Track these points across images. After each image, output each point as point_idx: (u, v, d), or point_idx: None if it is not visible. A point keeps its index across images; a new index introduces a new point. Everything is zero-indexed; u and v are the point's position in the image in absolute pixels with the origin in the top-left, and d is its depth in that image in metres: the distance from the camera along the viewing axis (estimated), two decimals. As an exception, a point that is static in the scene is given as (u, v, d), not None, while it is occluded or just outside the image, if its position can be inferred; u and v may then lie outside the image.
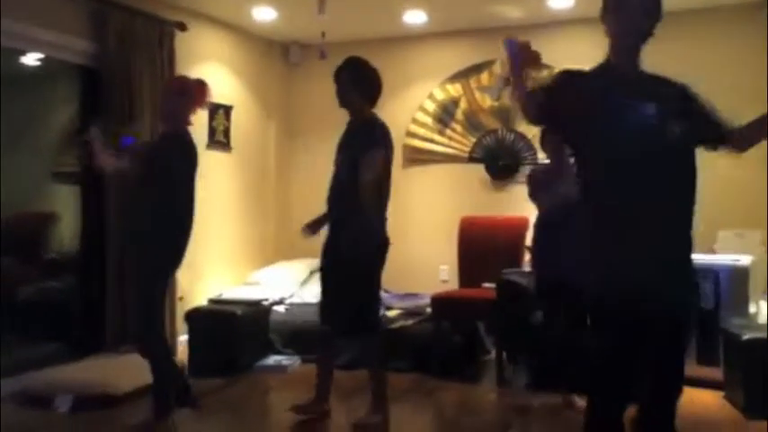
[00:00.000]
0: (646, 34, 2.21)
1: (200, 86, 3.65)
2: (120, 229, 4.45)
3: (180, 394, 3.64)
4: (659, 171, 2.12)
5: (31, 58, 4.58)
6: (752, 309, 4.31)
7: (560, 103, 2.23)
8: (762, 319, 4.21)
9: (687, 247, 2.21)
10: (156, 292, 3.53)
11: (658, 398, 2.26)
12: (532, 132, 5.67)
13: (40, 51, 4.50)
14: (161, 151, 3.55)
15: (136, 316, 3.66)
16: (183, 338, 4.95)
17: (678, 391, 2.26)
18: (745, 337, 3.82)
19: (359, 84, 3.58)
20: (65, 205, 5.01)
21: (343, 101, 3.63)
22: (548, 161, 4.21)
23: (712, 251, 4.68)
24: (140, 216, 3.56)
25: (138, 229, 3.60)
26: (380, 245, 3.59)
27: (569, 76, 2.28)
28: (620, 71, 2.22)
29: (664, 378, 2.25)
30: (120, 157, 3.55)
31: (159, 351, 3.54)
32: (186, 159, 3.54)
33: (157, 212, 3.47)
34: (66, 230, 5.05)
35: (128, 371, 4.16)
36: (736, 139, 2.24)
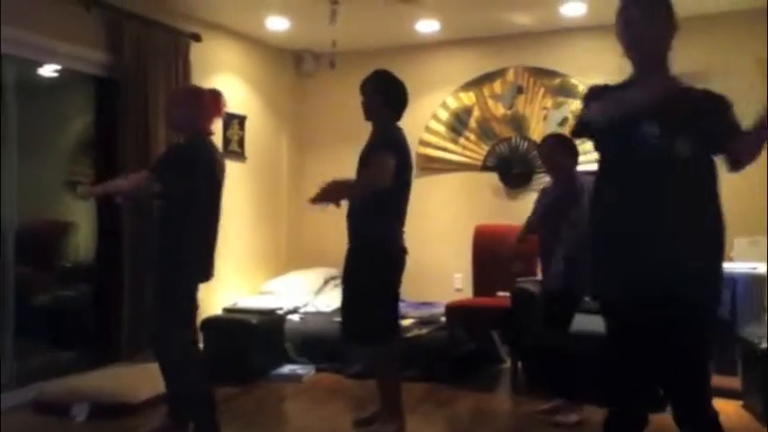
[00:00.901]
0: (657, 47, 2.24)
1: (214, 96, 3.55)
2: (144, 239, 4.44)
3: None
4: (658, 180, 2.20)
5: (48, 70, 4.62)
6: (769, 317, 4.27)
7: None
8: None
9: (699, 250, 2.22)
10: (180, 301, 3.41)
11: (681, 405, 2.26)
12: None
13: (57, 63, 4.54)
14: (181, 161, 3.43)
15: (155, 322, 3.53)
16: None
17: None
18: (763, 345, 3.79)
19: (383, 96, 3.60)
20: (80, 214, 5.05)
21: (368, 113, 3.64)
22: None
23: (729, 259, 4.64)
24: (166, 226, 3.43)
25: (163, 240, 3.45)
26: (391, 255, 3.59)
27: (597, 89, 2.35)
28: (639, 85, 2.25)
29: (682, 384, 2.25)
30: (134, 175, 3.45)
31: (177, 359, 3.49)
32: (207, 167, 3.42)
33: (182, 221, 3.38)
34: (82, 240, 5.08)
35: (144, 379, 4.18)
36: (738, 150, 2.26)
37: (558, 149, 4.03)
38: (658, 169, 2.20)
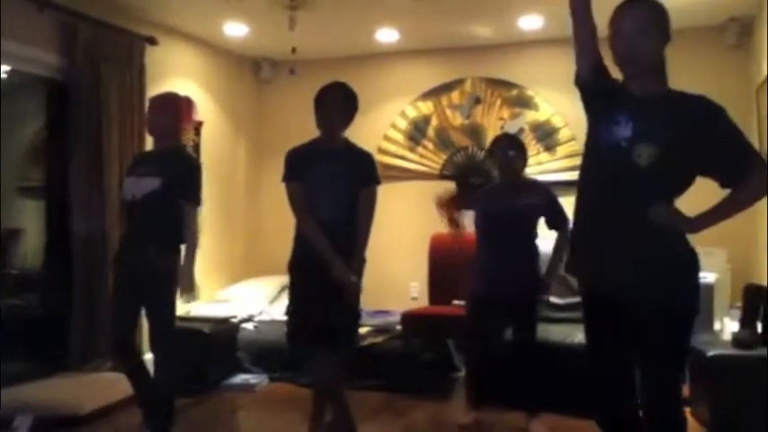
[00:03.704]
0: (644, 59, 2.22)
1: (188, 104, 3.69)
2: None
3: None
4: (621, 188, 2.24)
5: (-2, 71, 4.52)
6: (716, 326, 4.37)
7: (597, 87, 2.33)
8: (726, 336, 4.26)
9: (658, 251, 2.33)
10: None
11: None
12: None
13: (8, 64, 4.43)
14: (167, 166, 3.63)
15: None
16: (149, 356, 4.86)
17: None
18: (710, 353, 3.86)
19: (347, 108, 3.58)
20: (29, 221, 4.93)
21: (329, 124, 3.56)
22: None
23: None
24: (149, 229, 3.63)
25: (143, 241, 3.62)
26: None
27: (610, 79, 2.35)
28: (626, 95, 2.27)
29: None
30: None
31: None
32: (187, 173, 3.74)
33: (165, 225, 3.63)
34: (30, 246, 4.96)
35: (91, 390, 4.09)
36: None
37: (512, 149, 4.00)
38: (620, 173, 2.22)
